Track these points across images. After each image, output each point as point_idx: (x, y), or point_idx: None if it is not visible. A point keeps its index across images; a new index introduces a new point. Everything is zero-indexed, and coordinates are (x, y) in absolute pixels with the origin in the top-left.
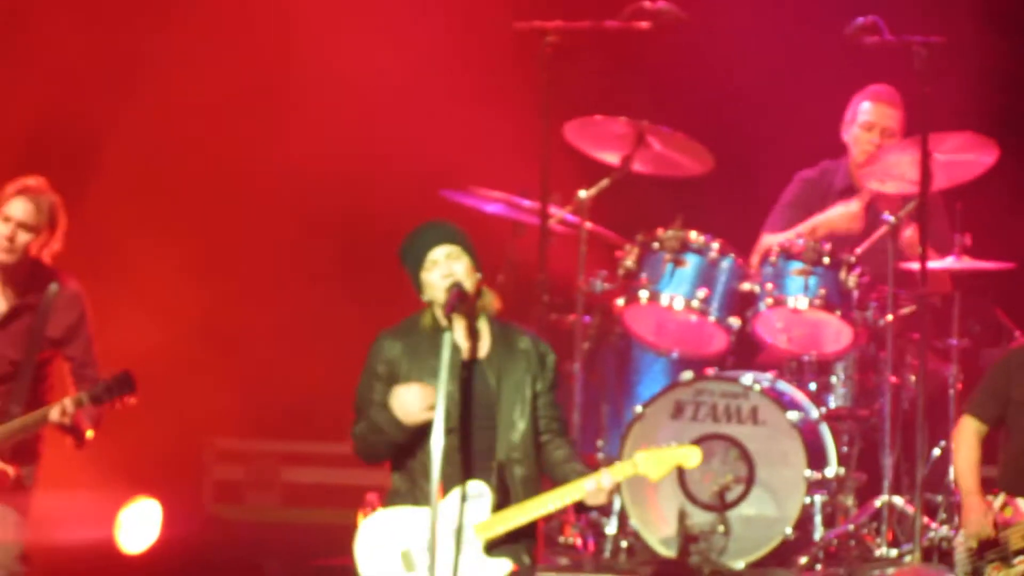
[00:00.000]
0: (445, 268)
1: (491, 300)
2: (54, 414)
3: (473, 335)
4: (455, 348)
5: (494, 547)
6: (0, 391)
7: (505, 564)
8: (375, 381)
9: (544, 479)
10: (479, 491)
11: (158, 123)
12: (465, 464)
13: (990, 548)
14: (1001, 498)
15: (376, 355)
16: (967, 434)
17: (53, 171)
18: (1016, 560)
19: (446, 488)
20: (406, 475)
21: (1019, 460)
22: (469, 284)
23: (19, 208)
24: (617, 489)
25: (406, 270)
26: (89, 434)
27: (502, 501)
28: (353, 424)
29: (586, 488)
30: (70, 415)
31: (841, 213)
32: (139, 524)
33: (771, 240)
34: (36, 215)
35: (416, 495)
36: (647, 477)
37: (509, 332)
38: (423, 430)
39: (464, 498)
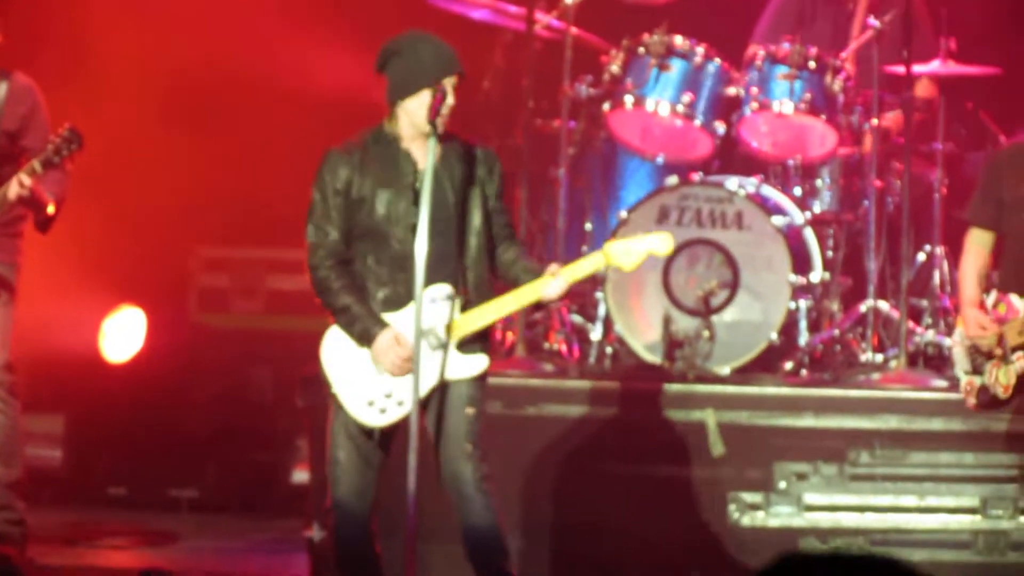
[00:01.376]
0: (451, 99)
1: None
2: (11, 190)
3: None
4: (411, 159)
5: (465, 345)
6: None
7: (482, 359)
8: (331, 196)
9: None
10: (446, 293)
11: None
12: (429, 270)
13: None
14: (994, 295)
15: (329, 171)
16: (972, 244)
17: None
18: (1015, 356)
19: (411, 294)
20: (373, 288)
21: (1011, 258)
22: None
23: None
24: (569, 291)
25: (391, 74)
26: (51, 209)
27: (466, 303)
28: (312, 247)
29: (543, 292)
30: (28, 187)
31: None
32: (124, 333)
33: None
34: None
35: (393, 301)
36: (621, 268)
37: (457, 142)
38: (393, 237)
39: (432, 300)
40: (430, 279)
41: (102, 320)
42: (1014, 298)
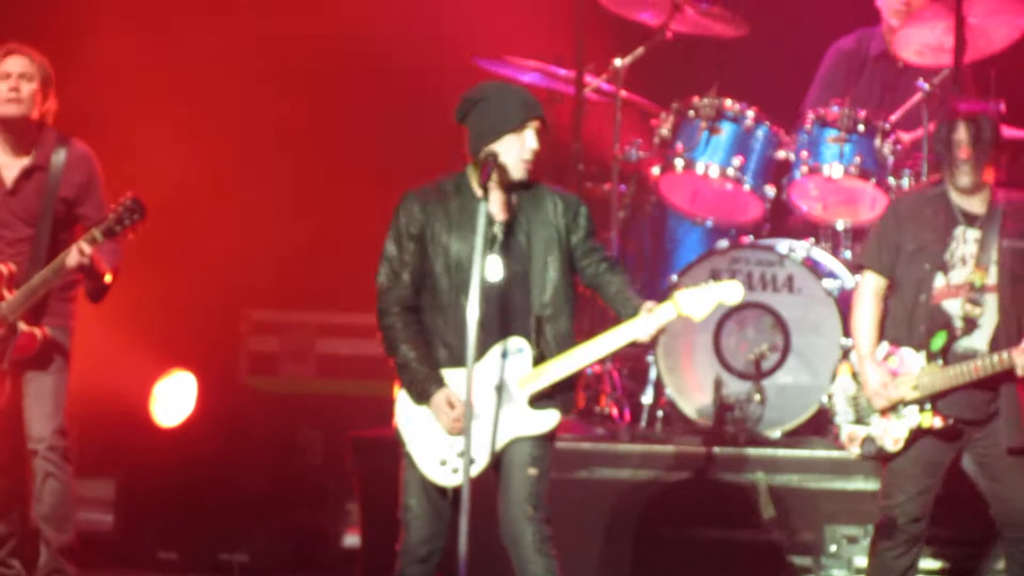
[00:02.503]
0: (533, 142)
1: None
2: (71, 258)
3: (505, 201)
4: (488, 213)
5: (538, 400)
6: (20, 256)
7: (553, 414)
8: (405, 240)
9: (579, 333)
10: (519, 346)
11: None
12: (502, 326)
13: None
14: (885, 346)
15: (405, 214)
16: (866, 291)
17: (45, 39)
18: (905, 410)
19: (483, 350)
20: (441, 343)
21: (904, 311)
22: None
23: (15, 62)
24: (664, 330)
25: (473, 122)
26: (108, 278)
27: (540, 356)
28: (383, 291)
29: (632, 334)
30: (88, 255)
31: None
32: (174, 397)
33: None
34: (32, 65)
35: (454, 359)
36: (690, 317)
37: (535, 191)
38: (462, 291)
39: (504, 354)
40: (504, 333)
41: (153, 384)
42: (906, 352)
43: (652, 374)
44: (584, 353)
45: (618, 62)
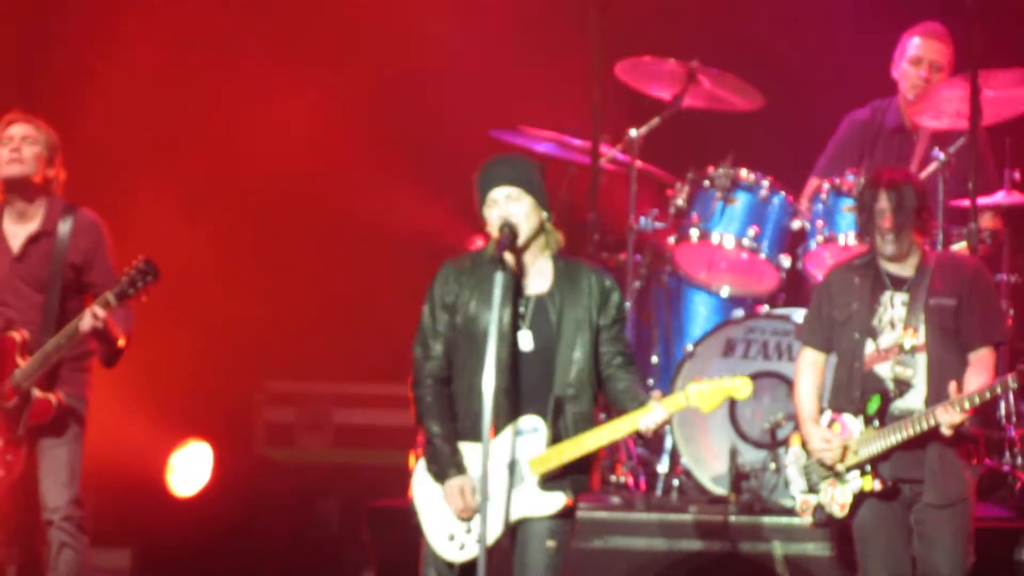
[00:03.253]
0: (504, 208)
1: (556, 238)
2: (85, 322)
3: (528, 273)
4: (518, 285)
5: (548, 481)
6: (31, 324)
7: (560, 497)
8: (438, 310)
9: (597, 417)
10: (534, 425)
11: (154, 48)
12: (521, 400)
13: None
14: (828, 414)
15: (440, 284)
16: (804, 364)
17: (44, 106)
18: (849, 476)
19: (501, 424)
20: (463, 412)
21: (841, 379)
22: (527, 225)
23: (18, 128)
24: (669, 421)
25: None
26: (121, 342)
27: (556, 436)
28: (418, 361)
29: (639, 424)
30: (102, 319)
31: None
32: (190, 467)
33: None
34: (36, 131)
35: (475, 431)
36: (699, 409)
37: (573, 268)
38: (483, 362)
39: (518, 432)
40: (524, 410)
41: (169, 454)
42: (847, 418)
43: (668, 443)
44: (593, 438)
45: (633, 132)
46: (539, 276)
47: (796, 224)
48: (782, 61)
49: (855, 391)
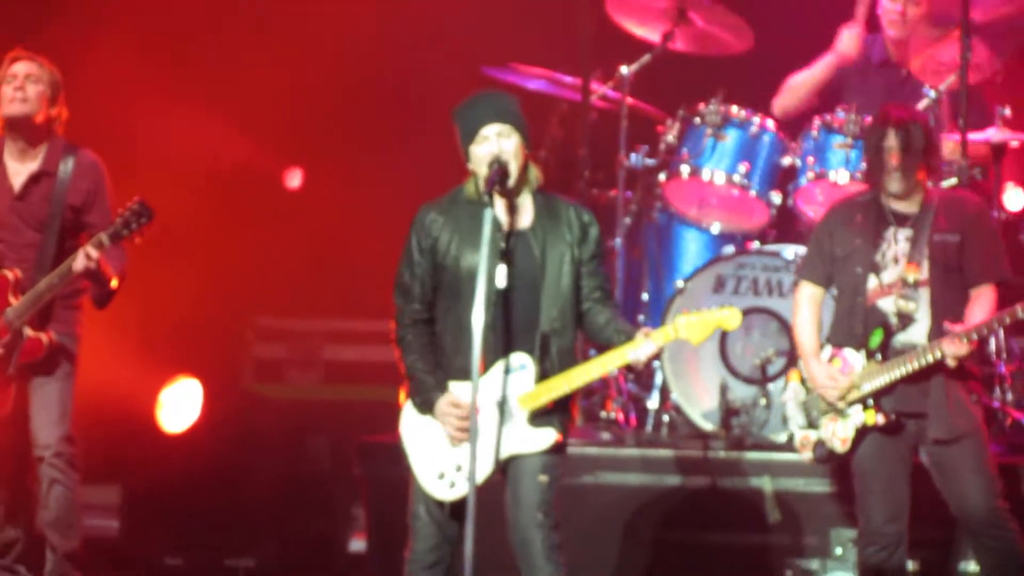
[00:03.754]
0: (495, 145)
1: (536, 174)
2: (78, 263)
3: (513, 210)
4: (497, 221)
5: (537, 417)
6: (26, 262)
7: (550, 433)
8: (417, 254)
9: (587, 352)
10: (522, 362)
11: None
12: (508, 336)
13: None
14: (828, 350)
15: (418, 228)
16: (803, 298)
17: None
18: (851, 410)
19: (490, 360)
20: (451, 352)
21: (843, 313)
22: (516, 163)
23: (22, 66)
24: (659, 354)
25: (457, 135)
26: (114, 283)
27: (544, 372)
28: (398, 304)
29: (628, 356)
30: (95, 259)
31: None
32: (180, 403)
33: (797, 79)
34: (39, 69)
35: (464, 370)
36: (689, 340)
37: (553, 204)
38: (469, 301)
39: (508, 370)
40: (510, 347)
41: (159, 391)
42: (848, 352)
43: (658, 379)
44: (582, 373)
45: (624, 69)
46: (522, 212)
47: (787, 160)
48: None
49: (857, 326)
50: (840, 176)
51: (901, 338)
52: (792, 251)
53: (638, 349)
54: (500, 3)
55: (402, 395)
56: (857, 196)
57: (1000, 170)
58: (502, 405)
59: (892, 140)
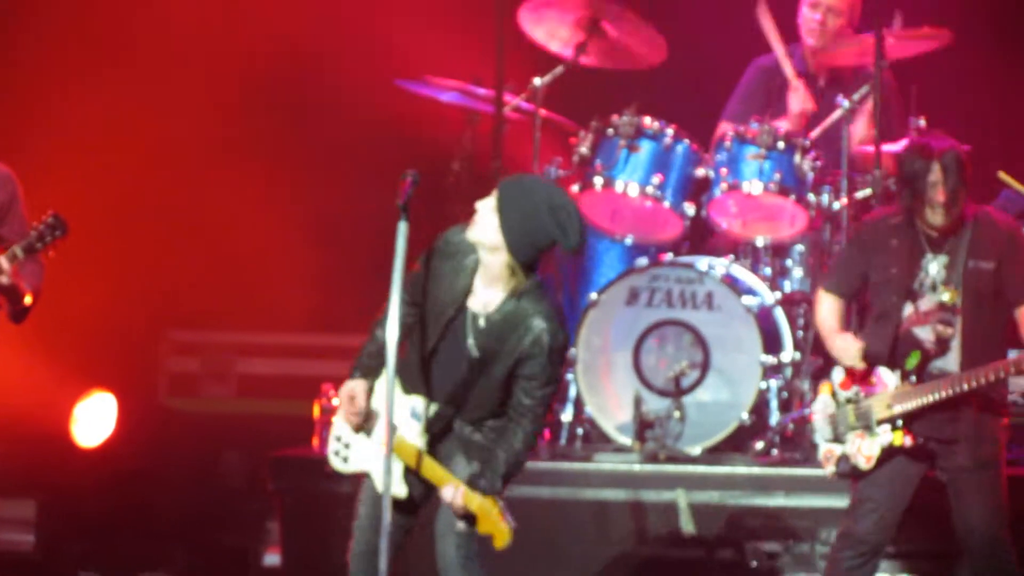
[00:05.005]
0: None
1: (521, 282)
2: None
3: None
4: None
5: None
6: None
7: (401, 490)
8: (414, 271)
9: None
10: (420, 412)
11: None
12: (435, 380)
13: (851, 412)
14: (862, 367)
15: (428, 250)
16: (825, 309)
17: None
18: (880, 429)
19: (419, 389)
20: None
21: (876, 340)
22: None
23: None
24: (462, 512)
25: None
26: (28, 300)
27: (430, 441)
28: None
29: (443, 494)
30: (7, 271)
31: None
32: (94, 417)
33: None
34: None
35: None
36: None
37: (524, 307)
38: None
39: (412, 408)
40: (440, 393)
41: (73, 405)
42: (882, 371)
43: (572, 392)
44: (432, 470)
45: (537, 81)
46: (490, 299)
47: (700, 172)
48: (684, 13)
49: (892, 353)
50: (754, 187)
51: (937, 363)
52: (706, 263)
53: (448, 490)
54: (414, 16)
55: (316, 408)
56: (891, 217)
57: None
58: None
59: (938, 175)
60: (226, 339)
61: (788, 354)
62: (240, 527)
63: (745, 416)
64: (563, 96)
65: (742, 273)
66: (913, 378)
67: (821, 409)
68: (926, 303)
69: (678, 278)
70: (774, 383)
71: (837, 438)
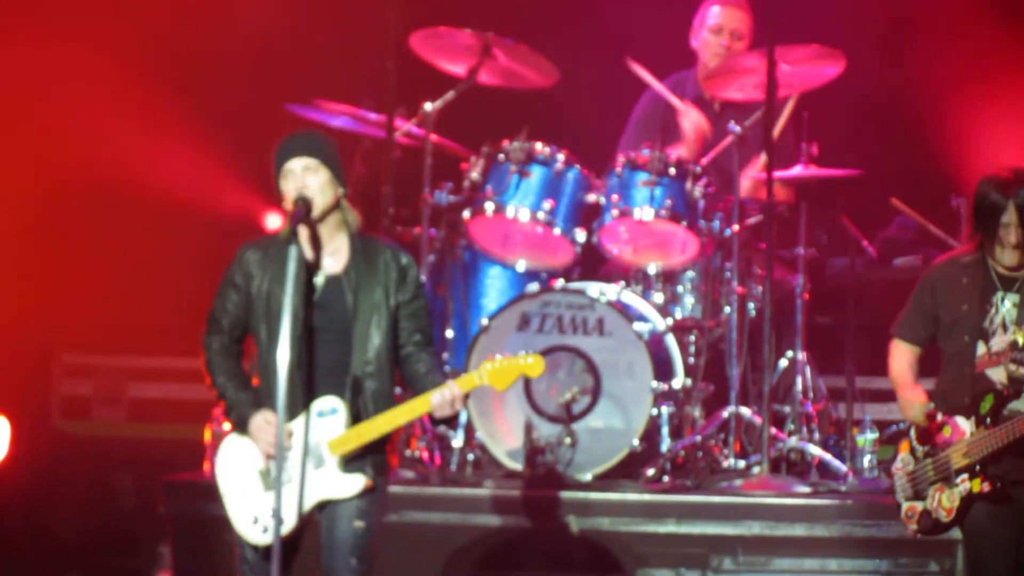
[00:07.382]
0: (299, 180)
1: (353, 217)
2: None
3: (323, 248)
4: (307, 262)
5: (349, 463)
6: None
7: (359, 479)
8: (231, 290)
9: (397, 395)
10: (333, 406)
11: None
12: (319, 378)
13: (930, 466)
14: (939, 417)
15: (236, 265)
16: (900, 357)
17: None
18: (959, 479)
19: (300, 404)
20: (264, 393)
21: (952, 379)
22: (322, 199)
23: None
24: (465, 401)
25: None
26: None
27: (356, 416)
28: (206, 333)
29: (432, 401)
30: None
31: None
32: None
33: None
34: None
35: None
36: (493, 387)
37: (370, 246)
38: (277, 344)
39: (318, 413)
40: (322, 390)
41: None
42: (959, 419)
43: (463, 417)
44: (390, 419)
45: (428, 106)
46: (335, 254)
47: (591, 198)
48: (578, 35)
49: (965, 395)
50: (645, 213)
51: (1013, 405)
52: (597, 288)
53: (443, 396)
54: (305, 40)
55: (207, 432)
56: (962, 256)
57: (806, 207)
58: (312, 449)
59: (1012, 217)
60: (119, 363)
61: (679, 381)
62: (132, 550)
63: (636, 443)
64: (454, 121)
65: (633, 299)
66: (988, 421)
67: (901, 468)
68: (997, 343)
69: (569, 304)
70: (665, 410)
71: (918, 495)
